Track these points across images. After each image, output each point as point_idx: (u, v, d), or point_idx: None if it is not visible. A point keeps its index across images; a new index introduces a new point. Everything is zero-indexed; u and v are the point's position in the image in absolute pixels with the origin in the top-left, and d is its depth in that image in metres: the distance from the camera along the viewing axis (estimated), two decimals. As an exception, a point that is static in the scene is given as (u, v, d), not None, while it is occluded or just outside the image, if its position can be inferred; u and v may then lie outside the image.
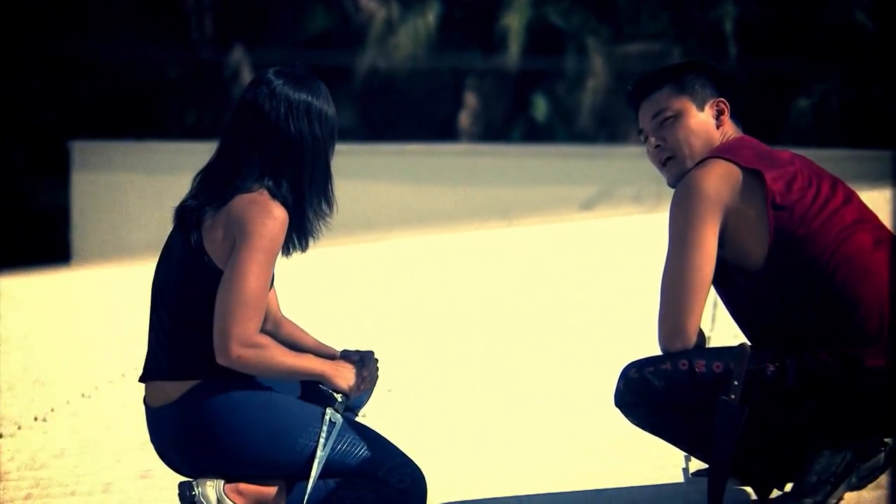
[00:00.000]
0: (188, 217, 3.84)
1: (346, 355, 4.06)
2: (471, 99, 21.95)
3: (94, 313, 10.98)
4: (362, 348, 4.11)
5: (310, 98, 3.89)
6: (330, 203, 3.92)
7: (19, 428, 6.68)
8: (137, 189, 17.95)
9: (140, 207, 17.82)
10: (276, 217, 3.75)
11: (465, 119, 21.96)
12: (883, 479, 3.71)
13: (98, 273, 14.35)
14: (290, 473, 3.88)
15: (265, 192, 3.81)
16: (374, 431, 3.98)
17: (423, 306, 9.74)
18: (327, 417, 3.85)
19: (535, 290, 9.76)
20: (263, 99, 3.87)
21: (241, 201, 3.79)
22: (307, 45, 22.76)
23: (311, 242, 3.97)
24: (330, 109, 3.92)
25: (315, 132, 3.88)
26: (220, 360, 3.68)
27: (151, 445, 3.97)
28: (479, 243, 13.09)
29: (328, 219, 3.93)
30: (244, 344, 3.67)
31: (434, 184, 18.05)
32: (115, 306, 11.18)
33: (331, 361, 3.95)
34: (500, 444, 5.50)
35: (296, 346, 4.07)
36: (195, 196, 3.87)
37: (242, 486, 3.86)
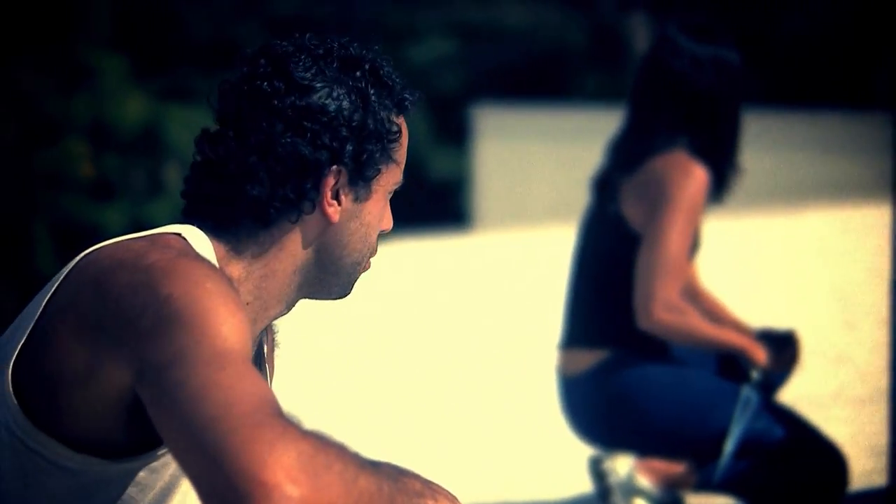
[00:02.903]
0: (604, 185, 3.78)
1: (767, 333, 3.92)
2: (891, 64, 21.24)
3: (494, 278, 11.09)
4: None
5: (715, 50, 3.70)
6: (737, 155, 3.78)
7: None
8: (539, 154, 18.06)
9: (542, 173, 17.92)
10: (696, 177, 3.63)
11: (883, 85, 21.24)
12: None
13: (500, 238, 14.53)
14: (701, 451, 3.74)
15: (682, 152, 3.67)
16: (794, 413, 3.80)
17: (831, 283, 9.39)
18: (743, 394, 3.70)
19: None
20: (668, 56, 3.71)
21: (659, 162, 3.66)
22: (710, 7, 22.45)
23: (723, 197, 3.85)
24: (736, 59, 3.73)
25: (723, 84, 3.70)
26: (641, 323, 3.58)
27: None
28: (892, 219, 12.51)
29: (740, 172, 3.80)
30: (667, 307, 3.56)
31: (849, 154, 17.49)
32: (516, 272, 11.27)
33: (749, 337, 3.83)
34: None
35: (713, 319, 3.95)
36: (609, 163, 3.80)
37: (654, 463, 3.78)
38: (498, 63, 23.59)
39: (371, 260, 2.08)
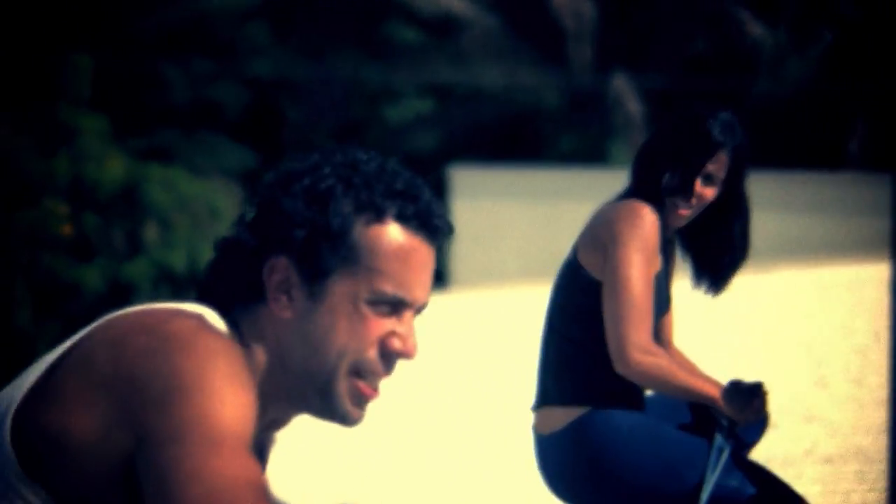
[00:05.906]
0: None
1: (735, 383, 3.94)
2: (861, 127, 21.40)
3: (470, 336, 11.13)
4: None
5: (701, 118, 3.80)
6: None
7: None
8: (514, 214, 18.14)
9: (517, 232, 18.00)
10: (644, 216, 3.65)
11: (854, 147, 21.41)
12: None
13: (475, 297, 14.57)
14: None
15: (634, 198, 3.74)
16: (767, 470, 3.83)
17: (802, 342, 9.45)
18: (716, 443, 3.73)
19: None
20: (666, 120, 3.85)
21: (608, 208, 3.74)
22: (688, 69, 22.61)
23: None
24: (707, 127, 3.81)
25: (684, 147, 3.78)
26: (618, 369, 3.59)
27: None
28: (862, 277, 12.63)
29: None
30: (642, 350, 3.57)
31: (819, 214, 17.60)
32: (491, 330, 11.30)
33: (719, 387, 3.84)
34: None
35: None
36: None
37: (629, 518, 3.78)
38: (474, 123, 23.69)
39: (378, 384, 1.98)
